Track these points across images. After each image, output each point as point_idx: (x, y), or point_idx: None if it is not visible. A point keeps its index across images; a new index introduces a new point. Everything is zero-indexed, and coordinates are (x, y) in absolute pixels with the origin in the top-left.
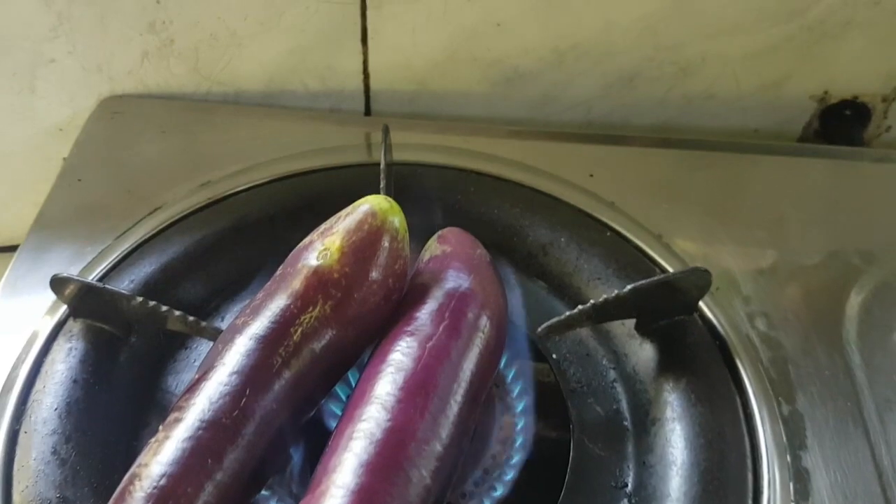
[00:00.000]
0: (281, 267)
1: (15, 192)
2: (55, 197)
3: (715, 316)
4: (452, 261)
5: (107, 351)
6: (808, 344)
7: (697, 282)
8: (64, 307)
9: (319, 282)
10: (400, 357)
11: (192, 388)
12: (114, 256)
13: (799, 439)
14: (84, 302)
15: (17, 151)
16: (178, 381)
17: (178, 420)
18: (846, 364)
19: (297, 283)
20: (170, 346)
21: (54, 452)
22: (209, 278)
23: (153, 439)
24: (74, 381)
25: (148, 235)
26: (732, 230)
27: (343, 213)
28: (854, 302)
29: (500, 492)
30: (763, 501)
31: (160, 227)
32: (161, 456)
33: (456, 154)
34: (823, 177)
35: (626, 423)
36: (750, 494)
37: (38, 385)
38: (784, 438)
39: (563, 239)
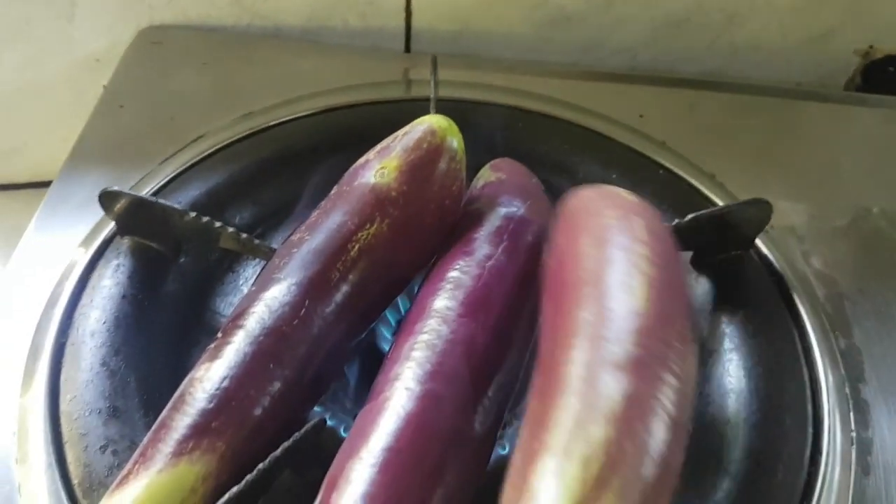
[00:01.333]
0: (336, 186)
1: (49, 125)
2: (95, 124)
3: (771, 253)
4: (508, 187)
5: (155, 269)
6: (863, 282)
7: (758, 214)
8: (108, 229)
9: (377, 200)
10: (459, 275)
11: (251, 298)
12: (158, 181)
13: (857, 372)
14: (133, 218)
15: (52, 83)
16: (226, 303)
17: (237, 327)
18: None
19: (354, 201)
20: (217, 269)
21: (103, 364)
22: (254, 205)
23: (211, 345)
24: (123, 297)
25: (192, 161)
26: (784, 173)
27: (401, 132)
28: None
29: None
30: (824, 431)
31: (204, 154)
32: (223, 360)
33: (500, 92)
34: (873, 125)
35: None
36: (810, 423)
37: (85, 300)
38: (842, 371)
39: (614, 176)
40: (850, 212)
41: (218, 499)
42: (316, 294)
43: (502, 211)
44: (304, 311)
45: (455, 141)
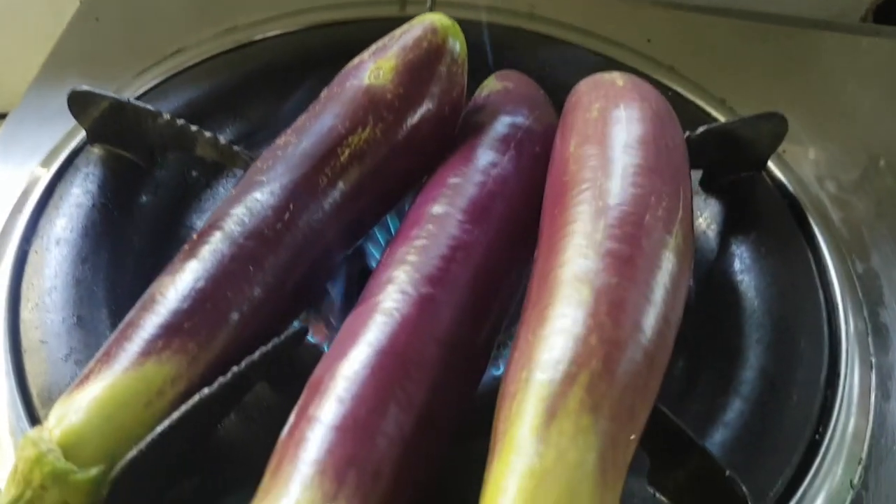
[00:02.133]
0: (326, 88)
1: (24, 51)
2: (69, 37)
3: (784, 176)
4: (514, 96)
5: (127, 180)
6: (881, 207)
7: (772, 129)
8: (79, 138)
9: (370, 102)
10: (460, 182)
11: (230, 201)
12: (131, 92)
13: (875, 296)
14: (104, 124)
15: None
16: (203, 220)
17: (215, 228)
18: None
19: (346, 103)
20: (195, 185)
21: (68, 272)
22: (237, 120)
23: (185, 247)
24: (92, 206)
25: (170, 74)
26: (797, 100)
27: (399, 30)
28: None
29: None
30: (841, 354)
31: (184, 67)
32: (198, 260)
33: (501, 13)
34: (889, 55)
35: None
36: (826, 346)
37: (52, 208)
38: (860, 294)
39: None
40: (865, 138)
41: None
42: (301, 199)
43: (508, 120)
44: (287, 215)
45: (457, 42)
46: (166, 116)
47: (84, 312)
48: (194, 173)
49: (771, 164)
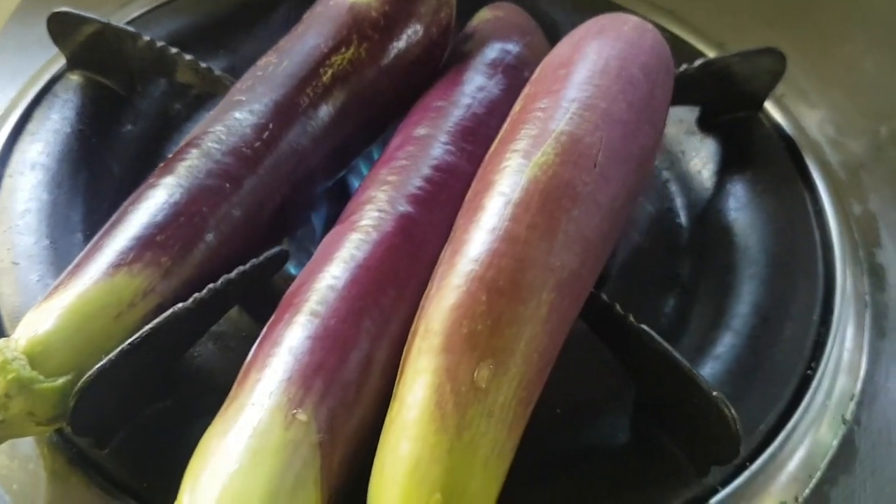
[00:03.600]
0: (310, 8)
1: None
2: None
3: (782, 118)
4: (506, 24)
5: (107, 108)
6: (881, 152)
7: (769, 65)
8: (58, 66)
9: (355, 21)
10: (444, 104)
11: (209, 121)
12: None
13: (872, 237)
14: (84, 48)
15: None
16: None
17: (192, 146)
18: None
19: (329, 22)
20: (176, 117)
21: (42, 197)
22: (221, 53)
23: (161, 164)
24: (69, 132)
25: (156, 5)
26: (800, 44)
27: None
28: None
29: None
30: (836, 291)
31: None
32: (173, 175)
33: None
34: None
35: (678, 220)
36: (821, 283)
37: (28, 133)
38: (856, 235)
39: None
40: (867, 82)
41: None
42: (282, 118)
43: (498, 45)
44: (267, 134)
45: None
46: (146, 38)
47: (58, 236)
48: (177, 106)
49: (769, 107)
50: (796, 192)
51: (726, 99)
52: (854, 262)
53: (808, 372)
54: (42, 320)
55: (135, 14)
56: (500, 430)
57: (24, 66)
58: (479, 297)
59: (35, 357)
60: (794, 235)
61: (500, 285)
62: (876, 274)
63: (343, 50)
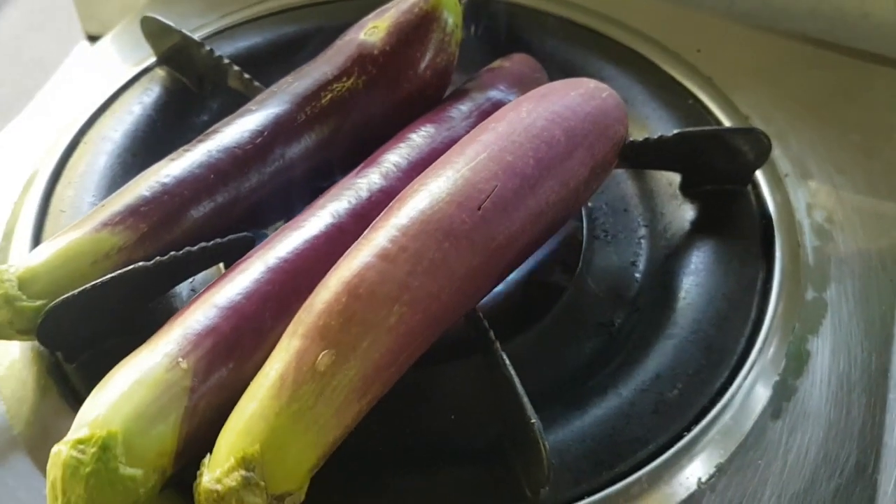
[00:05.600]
0: (334, 42)
1: None
2: None
3: (771, 195)
4: (505, 74)
5: (177, 100)
6: (863, 255)
7: (752, 145)
8: (152, 61)
9: (359, 55)
10: (415, 137)
11: (223, 121)
12: (212, 30)
13: (812, 325)
14: (167, 48)
15: None
16: None
17: (199, 142)
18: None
19: (339, 54)
20: None
21: (103, 163)
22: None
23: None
24: (140, 115)
25: (245, 20)
26: (827, 130)
27: None
28: None
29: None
30: (743, 368)
31: (258, 16)
32: (174, 163)
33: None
34: None
35: (637, 273)
36: (733, 360)
37: (109, 111)
38: (797, 321)
39: (639, 96)
40: (880, 183)
41: None
42: (277, 128)
43: (484, 92)
44: (260, 139)
45: (449, 14)
46: (207, 48)
47: (102, 196)
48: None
49: (763, 182)
50: (749, 271)
51: (705, 171)
52: (780, 345)
53: (684, 433)
54: (38, 254)
55: (226, 24)
56: (327, 409)
57: (133, 56)
58: (340, 299)
59: (24, 282)
60: (727, 311)
61: (360, 291)
62: (799, 359)
63: (344, 79)
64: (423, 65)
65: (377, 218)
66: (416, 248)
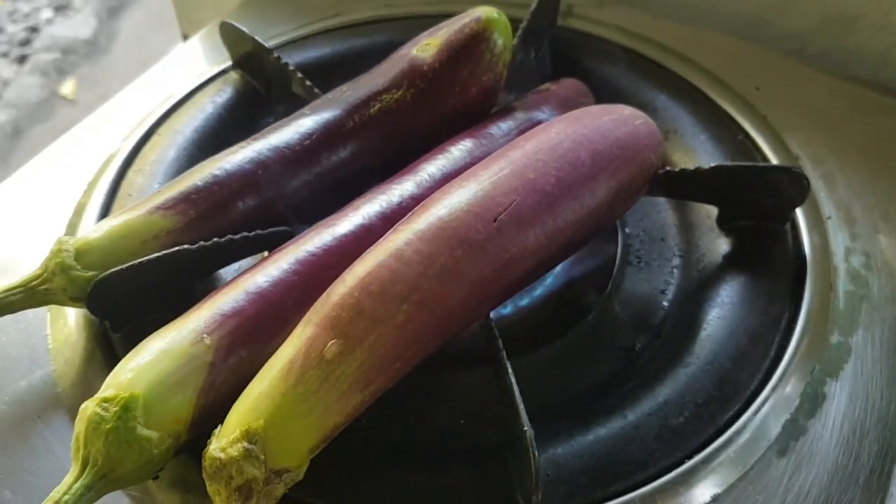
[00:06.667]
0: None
1: None
2: None
3: (809, 236)
4: (551, 97)
5: (246, 102)
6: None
7: (788, 184)
8: (228, 63)
9: (410, 69)
10: (453, 150)
11: (278, 123)
12: (288, 39)
13: (834, 369)
14: (243, 54)
15: None
16: None
17: (255, 139)
18: None
19: (392, 68)
20: None
21: (171, 154)
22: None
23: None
24: (210, 113)
25: (318, 31)
26: (878, 177)
27: (460, 16)
28: None
29: (524, 302)
30: (751, 407)
31: (329, 28)
32: (228, 159)
33: (621, 32)
34: None
35: (665, 302)
36: (744, 397)
37: (184, 108)
38: (818, 365)
39: (686, 127)
40: None
41: None
42: (325, 132)
43: (530, 113)
44: (308, 142)
45: (499, 36)
46: (275, 55)
47: (164, 183)
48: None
49: (803, 224)
50: (775, 309)
51: (742, 206)
52: (796, 385)
53: (685, 460)
54: (95, 230)
55: (301, 34)
56: (330, 394)
57: (214, 57)
58: (354, 293)
59: (80, 253)
60: (747, 346)
61: (372, 288)
62: (815, 400)
63: (394, 91)
64: (469, 82)
65: (399, 221)
66: (430, 251)
